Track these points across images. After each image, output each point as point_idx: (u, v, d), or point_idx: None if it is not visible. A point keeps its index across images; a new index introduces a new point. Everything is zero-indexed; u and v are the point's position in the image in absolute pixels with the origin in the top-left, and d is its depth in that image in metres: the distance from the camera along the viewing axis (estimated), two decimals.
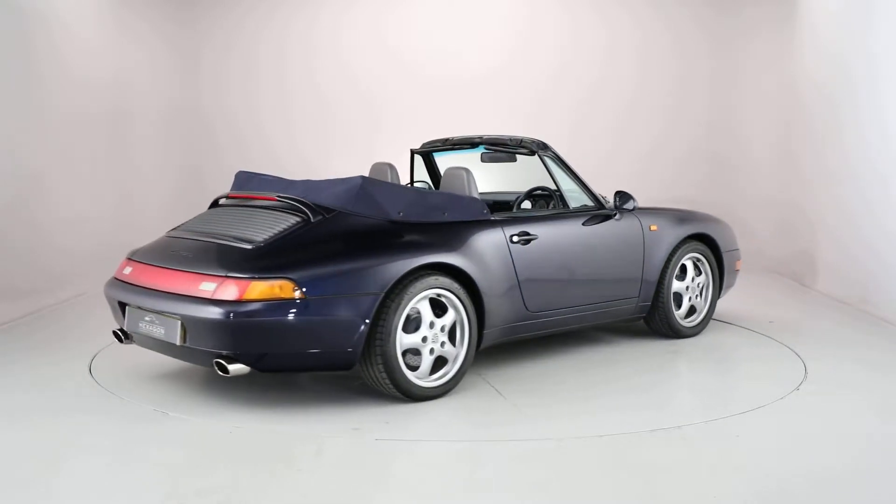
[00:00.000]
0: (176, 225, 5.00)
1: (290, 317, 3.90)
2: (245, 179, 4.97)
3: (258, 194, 4.64)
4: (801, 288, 7.95)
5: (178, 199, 9.88)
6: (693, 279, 5.85)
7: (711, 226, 5.99)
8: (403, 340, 4.20)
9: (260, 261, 4.02)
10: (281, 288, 3.90)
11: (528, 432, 3.88)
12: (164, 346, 4.24)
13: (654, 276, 5.58)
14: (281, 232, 4.20)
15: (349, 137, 10.04)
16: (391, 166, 5.56)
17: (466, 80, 10.04)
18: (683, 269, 5.80)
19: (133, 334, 4.43)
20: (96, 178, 8.00)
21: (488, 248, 4.64)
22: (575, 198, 5.36)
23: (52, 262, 7.05)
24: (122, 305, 4.43)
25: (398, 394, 4.24)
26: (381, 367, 4.14)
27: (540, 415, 4.14)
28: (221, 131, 10.32)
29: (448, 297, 4.37)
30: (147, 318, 4.23)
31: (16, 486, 3.28)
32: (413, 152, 6.18)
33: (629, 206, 5.49)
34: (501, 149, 5.64)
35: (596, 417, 4.10)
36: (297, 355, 4.03)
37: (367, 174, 5.94)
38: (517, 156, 5.68)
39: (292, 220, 4.29)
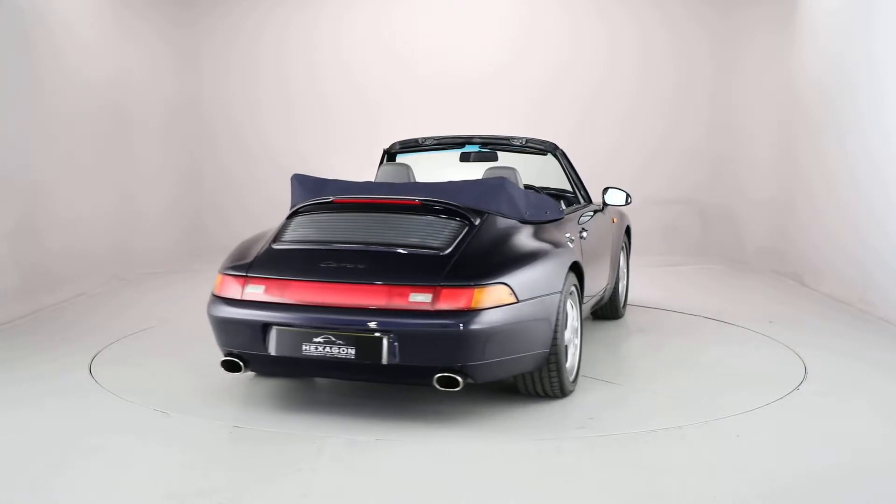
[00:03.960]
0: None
1: (511, 322, 3.81)
2: (319, 184, 4.55)
3: (390, 198, 4.29)
4: (801, 288, 7.95)
5: (178, 199, 9.89)
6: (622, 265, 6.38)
7: (628, 218, 6.58)
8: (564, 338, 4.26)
9: (466, 267, 3.83)
10: (498, 293, 3.80)
11: (528, 432, 3.89)
12: (344, 368, 3.87)
13: (616, 263, 6.03)
14: (457, 236, 4.00)
15: (349, 137, 10.04)
16: (408, 167, 5.51)
17: (466, 80, 10.05)
18: None
19: (282, 360, 3.91)
20: (96, 178, 8.00)
21: (575, 244, 4.79)
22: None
23: (52, 262, 7.05)
24: (264, 328, 3.91)
25: (559, 393, 4.27)
26: (553, 365, 4.14)
27: (539, 415, 4.14)
28: (221, 131, 10.33)
29: (574, 293, 4.43)
30: (319, 339, 3.81)
31: (16, 486, 3.28)
32: (385, 151, 6.03)
33: (626, 201, 5.78)
34: (507, 147, 5.73)
35: (595, 417, 4.10)
36: (509, 361, 3.91)
37: (372, 174, 5.93)
38: (497, 154, 5.84)
39: (453, 223, 4.09)
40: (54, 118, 7.21)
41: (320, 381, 4.66)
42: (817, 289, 7.69)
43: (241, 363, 4.00)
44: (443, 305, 3.72)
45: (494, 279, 3.81)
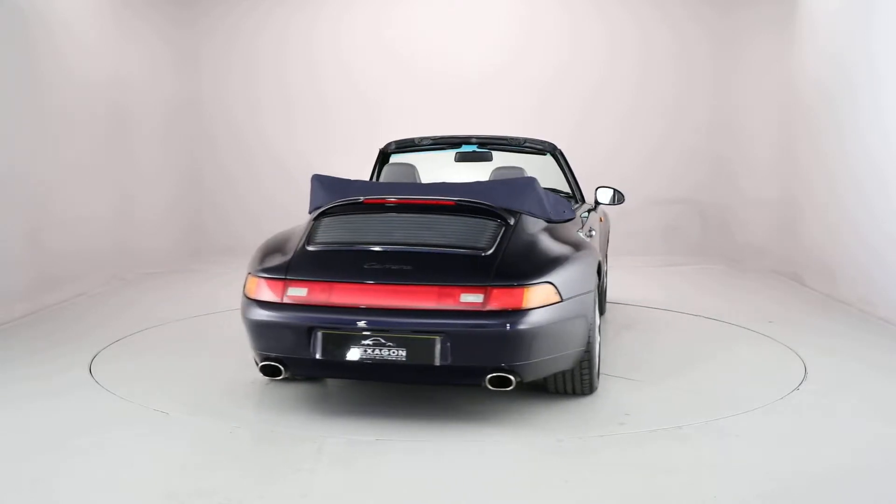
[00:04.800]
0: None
1: (557, 321, 3.83)
2: (341, 184, 4.52)
3: (424, 199, 4.25)
4: (801, 288, 7.95)
5: (178, 199, 9.89)
6: None
7: (609, 218, 6.67)
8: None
9: (512, 267, 3.84)
10: (545, 293, 3.81)
11: (528, 432, 3.89)
12: (394, 370, 3.81)
13: (604, 261, 6.09)
14: (496, 236, 3.99)
15: (349, 137, 10.04)
16: (414, 167, 5.50)
17: (467, 80, 10.05)
18: None
19: (329, 363, 3.85)
20: (96, 178, 8.00)
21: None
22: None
23: (52, 262, 7.05)
24: (309, 331, 3.82)
25: (588, 390, 4.32)
26: (586, 363, 4.19)
27: (539, 415, 4.14)
28: (221, 131, 10.33)
29: (595, 293, 4.47)
30: (369, 343, 3.76)
31: (16, 485, 3.28)
32: (381, 151, 5.99)
33: (613, 199, 5.82)
34: (506, 147, 5.74)
35: (595, 417, 4.10)
36: (553, 360, 3.93)
37: (380, 174, 5.92)
38: (492, 154, 5.86)
39: (491, 223, 4.07)
40: (54, 118, 7.21)
41: (320, 381, 4.65)
42: (817, 289, 7.69)
43: (280, 367, 3.92)
44: (494, 305, 3.72)
45: (541, 279, 3.83)
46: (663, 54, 10.11)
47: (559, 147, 5.92)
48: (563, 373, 4.19)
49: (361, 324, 3.76)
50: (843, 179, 7.31)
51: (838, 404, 4.36)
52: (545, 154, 5.78)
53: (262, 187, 10.28)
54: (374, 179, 5.88)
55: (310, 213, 4.52)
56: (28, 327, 6.10)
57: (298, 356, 3.87)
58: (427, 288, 3.78)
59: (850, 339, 5.82)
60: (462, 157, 5.84)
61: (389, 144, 5.95)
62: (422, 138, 5.89)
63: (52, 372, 4.86)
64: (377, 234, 4.09)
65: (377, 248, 3.99)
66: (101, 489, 3.26)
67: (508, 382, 3.76)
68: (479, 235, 3.99)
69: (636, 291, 7.29)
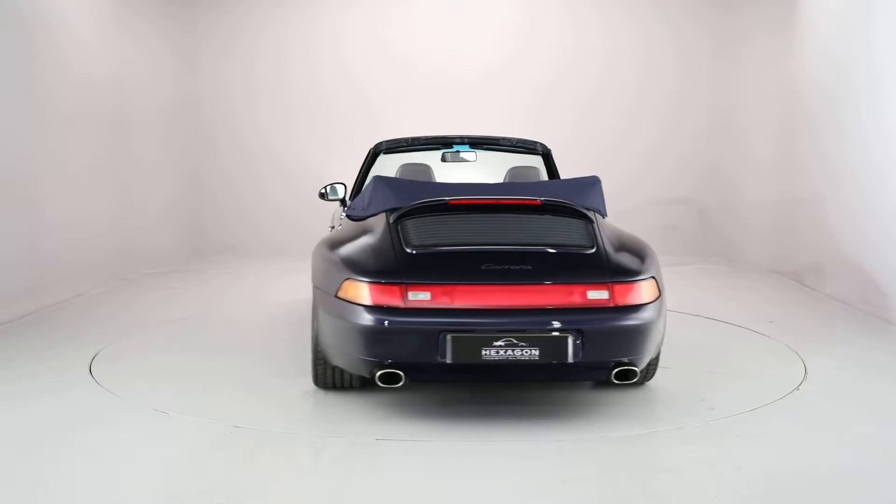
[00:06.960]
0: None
1: (660, 313, 3.99)
2: (405, 186, 4.50)
3: (510, 199, 4.28)
4: (801, 288, 7.95)
5: (178, 199, 9.89)
6: None
7: None
8: None
9: (621, 263, 3.96)
10: (652, 287, 3.95)
11: (528, 433, 3.89)
12: (526, 370, 3.83)
13: None
14: (592, 234, 4.09)
15: (349, 137, 10.04)
16: (429, 167, 5.48)
17: (466, 80, 10.05)
18: None
19: (459, 367, 3.78)
20: (96, 178, 8.00)
21: None
22: None
23: (52, 262, 7.05)
24: (438, 335, 3.73)
25: (650, 379, 4.45)
26: (656, 357, 4.28)
27: (539, 415, 4.14)
28: (221, 131, 10.33)
29: None
30: (500, 343, 3.72)
31: (16, 485, 3.28)
32: (371, 151, 5.92)
33: None
34: (499, 147, 5.73)
35: (595, 417, 4.10)
36: (653, 349, 4.03)
37: (368, 172, 5.90)
38: (477, 154, 5.80)
39: (580, 221, 4.17)
40: (54, 118, 7.21)
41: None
42: (817, 289, 7.69)
43: (401, 374, 3.81)
44: (619, 301, 3.83)
45: (648, 274, 3.98)
46: (663, 54, 10.11)
47: (552, 148, 5.93)
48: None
49: (494, 326, 3.74)
50: (843, 179, 7.31)
51: (838, 404, 4.36)
52: (537, 154, 5.79)
53: (262, 187, 10.28)
54: (365, 178, 5.81)
55: (370, 214, 4.44)
56: (28, 327, 6.10)
57: (424, 361, 3.79)
58: (554, 287, 3.84)
59: (849, 339, 5.82)
60: (445, 158, 5.83)
61: (380, 144, 5.90)
62: (413, 138, 5.87)
63: (52, 372, 4.86)
64: (484, 234, 4.06)
65: (489, 249, 3.97)
66: (101, 489, 3.25)
67: (633, 375, 3.88)
68: (578, 234, 4.08)
69: None
